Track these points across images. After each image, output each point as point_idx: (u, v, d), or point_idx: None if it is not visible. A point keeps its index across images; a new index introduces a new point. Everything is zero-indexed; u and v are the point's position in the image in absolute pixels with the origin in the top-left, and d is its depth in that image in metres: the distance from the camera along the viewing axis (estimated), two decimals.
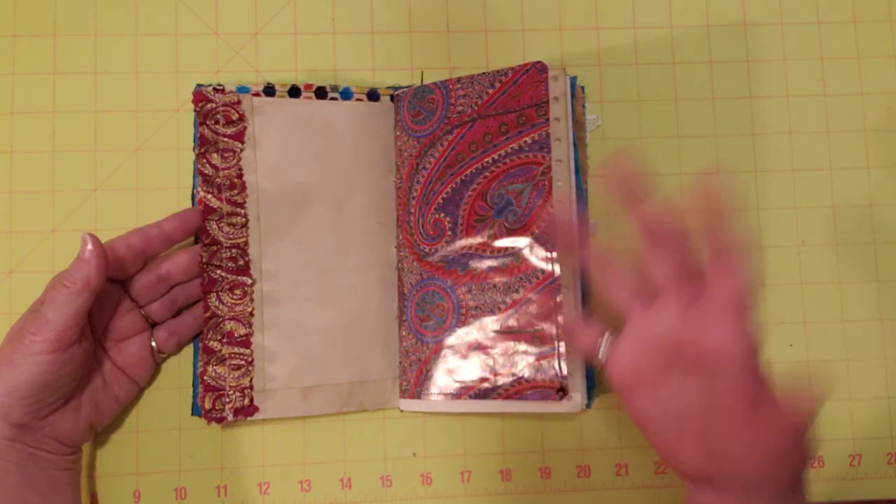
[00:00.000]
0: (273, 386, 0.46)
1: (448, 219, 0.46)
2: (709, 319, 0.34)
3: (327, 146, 0.48)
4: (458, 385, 0.45)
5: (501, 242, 0.44)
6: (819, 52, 0.51)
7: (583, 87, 0.50)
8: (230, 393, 0.45)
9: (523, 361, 0.43)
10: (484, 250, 0.45)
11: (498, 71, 0.46)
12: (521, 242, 0.44)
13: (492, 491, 0.48)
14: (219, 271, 0.45)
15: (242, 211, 0.46)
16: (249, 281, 0.46)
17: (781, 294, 0.50)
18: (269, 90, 0.48)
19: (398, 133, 0.49)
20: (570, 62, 0.51)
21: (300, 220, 0.47)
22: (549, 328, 0.43)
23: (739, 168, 0.50)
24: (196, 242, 0.47)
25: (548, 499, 0.48)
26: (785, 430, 0.33)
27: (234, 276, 0.46)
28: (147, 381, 0.46)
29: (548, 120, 0.44)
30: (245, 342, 0.46)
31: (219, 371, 0.45)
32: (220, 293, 0.45)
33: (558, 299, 0.43)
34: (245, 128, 0.47)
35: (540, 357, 0.43)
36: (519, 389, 0.43)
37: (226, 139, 0.46)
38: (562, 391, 0.42)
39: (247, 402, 0.45)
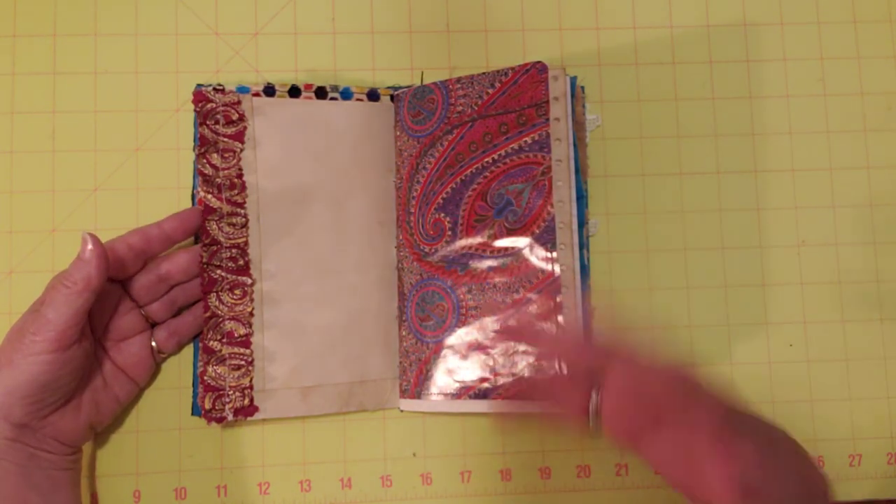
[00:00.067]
0: (273, 386, 0.46)
1: (448, 219, 0.46)
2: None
3: (327, 146, 0.48)
4: (458, 385, 0.45)
5: (501, 242, 0.45)
6: (819, 52, 0.51)
7: (583, 87, 0.50)
8: (230, 393, 0.45)
9: (523, 361, 0.43)
10: (484, 250, 0.45)
11: (498, 71, 0.46)
12: (521, 242, 0.44)
13: (492, 491, 0.48)
14: (219, 271, 0.45)
15: (242, 211, 0.46)
16: (249, 281, 0.46)
17: (781, 294, 0.50)
18: (269, 90, 0.48)
19: (398, 133, 0.49)
20: (570, 62, 0.51)
21: (300, 220, 0.47)
22: (549, 328, 0.43)
23: (739, 168, 0.50)
24: (196, 242, 0.47)
25: (548, 499, 0.48)
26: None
27: (234, 276, 0.46)
28: (147, 381, 0.46)
29: (548, 120, 0.44)
30: (245, 342, 0.46)
31: (219, 371, 0.45)
32: (220, 293, 0.45)
33: (558, 299, 0.43)
34: (245, 128, 0.47)
35: (540, 357, 0.43)
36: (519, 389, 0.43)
37: (226, 139, 0.46)
38: None
39: (247, 402, 0.45)
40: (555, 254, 0.43)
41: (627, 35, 0.51)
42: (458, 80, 0.47)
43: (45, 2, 0.49)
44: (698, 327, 0.49)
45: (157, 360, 0.46)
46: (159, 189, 0.48)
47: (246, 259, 0.46)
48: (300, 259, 0.47)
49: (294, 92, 0.48)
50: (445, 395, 0.45)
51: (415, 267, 0.47)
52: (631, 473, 0.48)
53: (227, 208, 0.46)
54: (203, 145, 0.46)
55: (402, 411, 0.48)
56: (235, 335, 0.45)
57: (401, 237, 0.48)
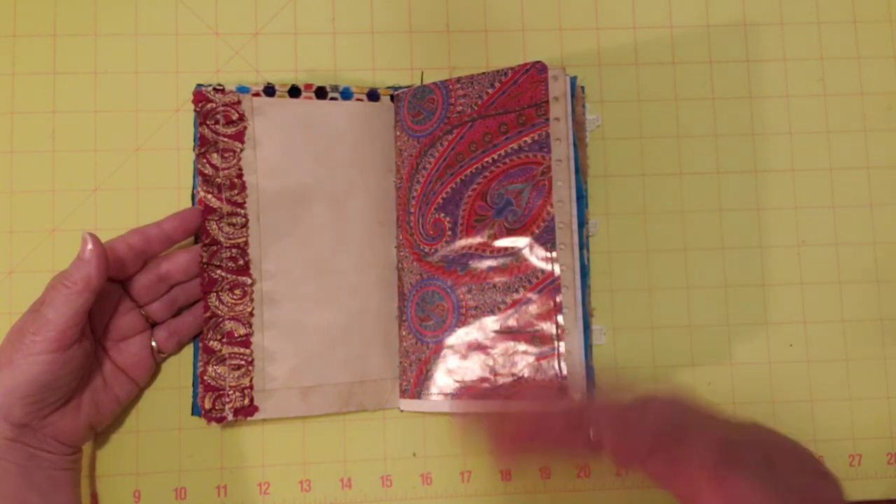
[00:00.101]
0: (273, 386, 0.46)
1: (448, 219, 0.46)
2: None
3: (327, 146, 0.48)
4: (458, 385, 0.45)
5: (501, 242, 0.45)
6: (819, 52, 0.51)
7: (583, 87, 0.50)
8: (230, 393, 0.45)
9: (523, 361, 0.43)
10: (484, 250, 0.45)
11: (498, 71, 0.46)
12: (520, 242, 0.44)
13: (492, 491, 0.48)
14: (219, 271, 0.45)
15: (242, 211, 0.46)
16: (249, 281, 0.46)
17: (781, 294, 0.50)
18: (269, 90, 0.48)
19: (398, 133, 0.49)
20: (570, 62, 0.51)
21: (300, 220, 0.47)
22: (548, 328, 0.43)
23: (739, 168, 0.50)
24: (196, 242, 0.47)
25: (548, 499, 0.48)
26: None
27: (234, 276, 0.46)
28: (147, 381, 0.46)
29: (548, 120, 0.44)
30: (245, 342, 0.46)
31: (219, 371, 0.45)
32: (220, 293, 0.45)
33: (558, 299, 0.43)
34: (245, 128, 0.47)
35: (540, 357, 0.43)
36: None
37: (226, 139, 0.46)
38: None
39: (247, 401, 0.45)
40: (555, 254, 0.43)
41: (627, 35, 0.51)
42: (458, 80, 0.47)
43: (45, 2, 0.49)
44: (698, 327, 0.49)
45: (157, 360, 0.46)
46: (159, 189, 0.48)
47: (246, 259, 0.46)
48: (300, 259, 0.47)
49: (294, 92, 0.48)
50: (445, 395, 0.45)
51: (415, 267, 0.47)
52: (631, 473, 0.48)
53: (227, 208, 0.46)
54: (203, 145, 0.46)
55: (402, 411, 0.48)
56: (235, 335, 0.45)
57: (401, 237, 0.48)
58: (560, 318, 0.43)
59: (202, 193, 0.46)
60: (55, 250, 0.48)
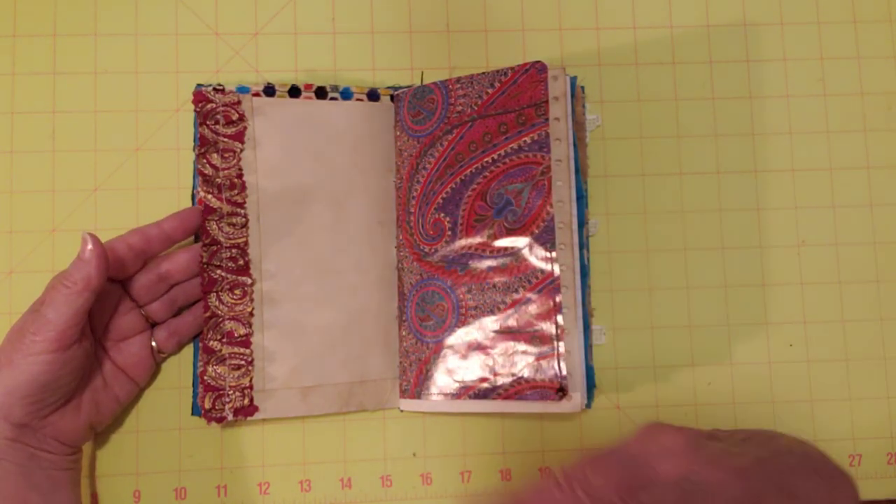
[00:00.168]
0: (273, 386, 0.46)
1: (448, 219, 0.46)
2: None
3: (327, 146, 0.48)
4: (457, 385, 0.45)
5: (501, 242, 0.44)
6: (819, 52, 0.51)
7: (583, 87, 0.50)
8: (230, 393, 0.45)
9: (523, 361, 0.43)
10: (484, 250, 0.45)
11: (498, 71, 0.46)
12: (520, 242, 0.44)
13: (492, 491, 0.48)
14: (219, 271, 0.45)
15: (242, 211, 0.46)
16: (249, 281, 0.46)
17: (781, 294, 0.50)
18: (269, 90, 0.48)
19: (398, 133, 0.49)
20: (570, 62, 0.51)
21: (300, 220, 0.47)
22: (548, 328, 0.43)
23: (739, 168, 0.50)
24: (196, 242, 0.47)
25: None
26: None
27: (234, 276, 0.46)
28: (147, 381, 0.46)
29: (547, 120, 0.44)
30: (245, 342, 0.46)
31: (219, 371, 0.45)
32: (220, 293, 0.45)
33: (558, 299, 0.43)
34: (245, 128, 0.47)
35: (539, 357, 0.43)
36: (519, 389, 0.43)
37: (226, 139, 0.46)
38: (561, 391, 0.42)
39: (247, 401, 0.45)
40: (554, 254, 0.43)
41: (627, 35, 0.51)
42: (458, 80, 0.47)
43: (45, 2, 0.49)
44: (698, 327, 0.49)
45: (157, 360, 0.46)
46: (159, 189, 0.48)
47: (246, 259, 0.46)
48: (300, 259, 0.47)
49: (294, 92, 0.48)
50: (445, 395, 0.45)
51: (415, 267, 0.47)
52: None
53: (227, 208, 0.46)
54: (203, 145, 0.46)
55: (402, 411, 0.48)
56: (235, 335, 0.46)
57: (401, 237, 0.48)
58: (560, 318, 0.43)
59: (202, 193, 0.46)
60: (55, 250, 0.48)
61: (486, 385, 0.44)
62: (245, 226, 0.46)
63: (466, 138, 0.46)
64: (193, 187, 0.47)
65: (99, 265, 0.39)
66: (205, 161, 0.46)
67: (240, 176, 0.46)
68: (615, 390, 0.49)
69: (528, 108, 0.45)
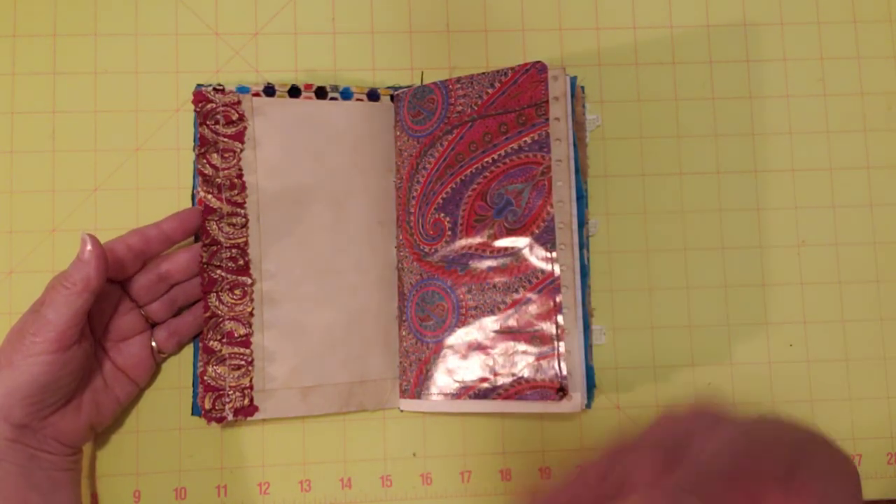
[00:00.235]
0: (273, 386, 0.46)
1: (448, 219, 0.46)
2: None
3: (327, 146, 0.48)
4: (458, 385, 0.45)
5: (501, 242, 0.44)
6: (819, 52, 0.51)
7: (583, 87, 0.50)
8: (230, 393, 0.45)
9: (523, 361, 0.43)
10: (484, 250, 0.45)
11: (498, 71, 0.46)
12: (520, 242, 0.44)
13: (492, 491, 0.48)
14: (219, 271, 0.45)
15: (242, 211, 0.46)
16: (249, 281, 0.46)
17: (781, 294, 0.50)
18: (269, 90, 0.48)
19: (398, 133, 0.49)
20: (570, 62, 0.51)
21: (300, 220, 0.47)
22: (548, 328, 0.43)
23: (739, 168, 0.50)
24: (196, 242, 0.47)
25: None
26: None
27: (234, 276, 0.46)
28: (147, 381, 0.46)
29: (547, 120, 0.44)
30: (245, 342, 0.46)
31: (219, 371, 0.45)
32: (220, 293, 0.45)
33: (558, 299, 0.43)
34: (245, 128, 0.47)
35: (540, 357, 0.43)
36: (519, 389, 0.43)
37: (226, 139, 0.46)
38: (561, 391, 0.42)
39: (247, 401, 0.45)
40: (555, 254, 0.43)
41: (627, 35, 0.51)
42: (458, 80, 0.47)
43: (45, 2, 0.49)
44: (698, 327, 0.49)
45: (157, 361, 0.46)
46: (159, 189, 0.48)
47: (246, 259, 0.46)
48: (300, 259, 0.47)
49: (294, 92, 0.48)
50: (445, 395, 0.45)
51: (415, 267, 0.47)
52: None
53: (227, 208, 0.46)
54: (203, 145, 0.46)
55: (402, 411, 0.48)
56: (235, 335, 0.46)
57: (401, 237, 0.48)
58: (560, 318, 0.43)
59: (202, 193, 0.46)
60: (55, 250, 0.48)
61: (486, 385, 0.44)
62: (245, 226, 0.46)
63: (466, 138, 0.46)
64: (193, 187, 0.47)
65: (98, 266, 0.39)
66: (205, 161, 0.46)
67: (240, 176, 0.46)
68: (615, 390, 0.49)
69: (528, 108, 0.45)
